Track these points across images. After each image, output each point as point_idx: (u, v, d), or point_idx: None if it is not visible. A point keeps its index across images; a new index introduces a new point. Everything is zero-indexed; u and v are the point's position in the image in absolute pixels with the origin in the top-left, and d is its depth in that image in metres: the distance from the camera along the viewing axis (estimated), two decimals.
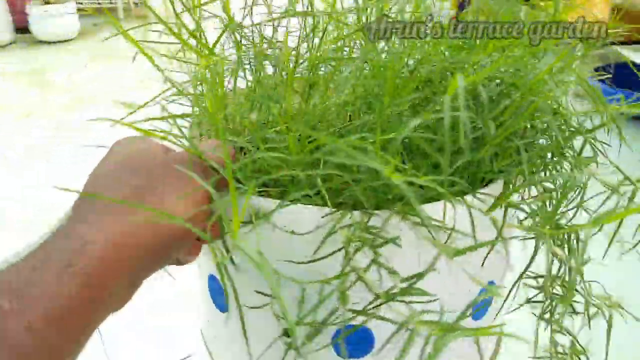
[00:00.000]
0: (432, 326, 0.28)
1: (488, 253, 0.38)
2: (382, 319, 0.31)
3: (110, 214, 0.32)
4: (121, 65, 3.13)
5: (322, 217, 0.35)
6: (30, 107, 2.69)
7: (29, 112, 2.63)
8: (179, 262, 0.40)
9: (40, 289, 0.29)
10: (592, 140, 0.43)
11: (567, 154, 0.41)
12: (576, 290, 0.43)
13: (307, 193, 0.34)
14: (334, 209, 0.36)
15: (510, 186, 0.38)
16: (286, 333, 0.39)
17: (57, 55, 3.54)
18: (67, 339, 0.29)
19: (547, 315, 0.46)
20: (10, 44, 3.67)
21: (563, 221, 0.46)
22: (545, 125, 0.41)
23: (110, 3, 4.25)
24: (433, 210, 0.36)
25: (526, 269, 0.38)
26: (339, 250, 0.34)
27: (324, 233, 0.35)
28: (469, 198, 0.37)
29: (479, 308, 0.44)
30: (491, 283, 0.45)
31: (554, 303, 0.43)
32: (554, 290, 0.45)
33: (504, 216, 0.35)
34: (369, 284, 0.32)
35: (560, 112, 0.42)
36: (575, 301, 0.43)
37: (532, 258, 0.37)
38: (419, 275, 0.31)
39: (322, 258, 0.34)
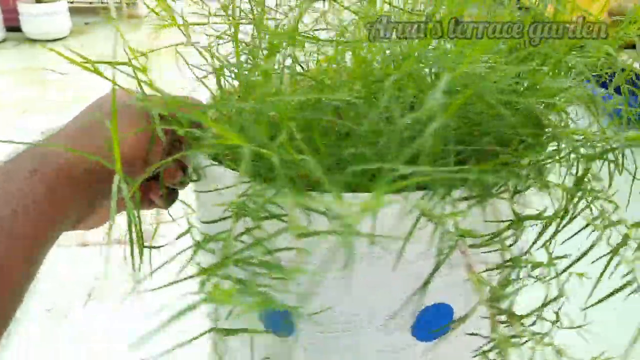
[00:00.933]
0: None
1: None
2: (226, 278, 0.32)
3: (69, 137, 0.40)
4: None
5: (242, 183, 0.37)
6: (23, 105, 2.72)
7: (24, 109, 2.68)
8: (156, 205, 0.46)
9: (11, 188, 0.36)
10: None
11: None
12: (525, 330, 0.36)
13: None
14: (251, 179, 0.37)
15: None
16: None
17: (48, 54, 3.39)
18: (30, 236, 0.35)
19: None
20: (1, 42, 3.62)
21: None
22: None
23: (102, 3, 4.05)
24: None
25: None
26: (227, 217, 0.36)
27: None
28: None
29: (426, 327, 0.41)
30: (446, 306, 0.40)
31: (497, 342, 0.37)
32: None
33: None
34: (227, 248, 0.33)
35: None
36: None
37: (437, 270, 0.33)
38: (278, 249, 0.31)
39: (211, 222, 0.36)
